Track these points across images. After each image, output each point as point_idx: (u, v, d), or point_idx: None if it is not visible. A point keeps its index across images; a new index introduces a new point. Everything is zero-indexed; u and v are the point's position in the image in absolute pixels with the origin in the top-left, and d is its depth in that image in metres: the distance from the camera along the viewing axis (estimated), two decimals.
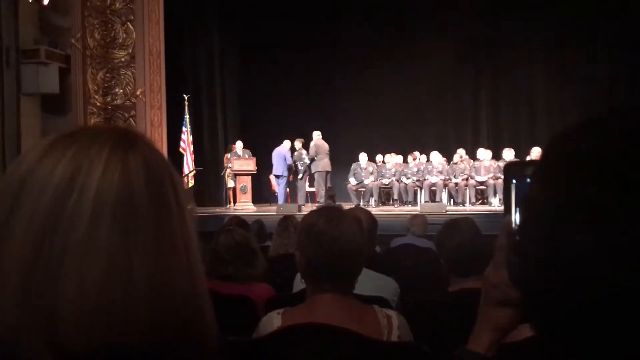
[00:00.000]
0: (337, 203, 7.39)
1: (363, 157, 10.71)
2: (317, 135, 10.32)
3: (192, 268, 0.59)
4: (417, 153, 11.16)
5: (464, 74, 12.46)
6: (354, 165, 10.76)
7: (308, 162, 10.41)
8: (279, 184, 10.46)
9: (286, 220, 3.71)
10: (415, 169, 10.54)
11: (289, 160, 10.38)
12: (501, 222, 0.63)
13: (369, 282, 1.92)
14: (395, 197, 10.39)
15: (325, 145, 10.19)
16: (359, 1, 12.41)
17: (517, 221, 0.62)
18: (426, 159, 11.11)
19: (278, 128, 12.45)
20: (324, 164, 10.10)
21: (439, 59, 12.18)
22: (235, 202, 10.49)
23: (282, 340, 1.27)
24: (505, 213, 0.64)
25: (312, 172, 10.03)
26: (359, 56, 12.79)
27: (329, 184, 10.06)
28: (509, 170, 0.64)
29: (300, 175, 10.50)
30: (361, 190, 10.64)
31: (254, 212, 9.57)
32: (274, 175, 10.54)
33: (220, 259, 2.22)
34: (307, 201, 11.38)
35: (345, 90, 13.24)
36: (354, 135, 12.67)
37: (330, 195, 7.94)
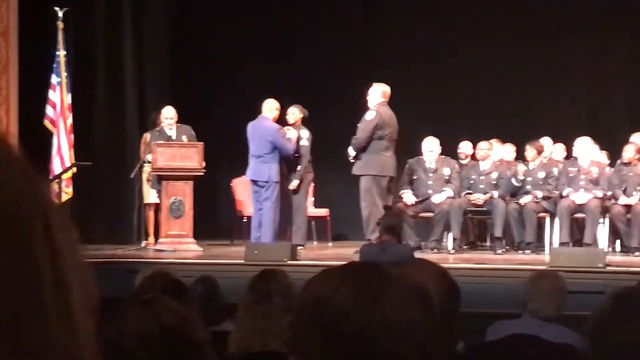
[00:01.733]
0: (390, 242, 7.26)
1: (430, 145, 10.86)
2: (379, 93, 10.20)
3: None
4: (546, 141, 11.23)
5: None
6: (410, 164, 10.92)
7: (308, 151, 10.53)
8: (258, 200, 10.55)
9: (266, 280, 3.72)
10: (540, 174, 10.61)
11: (287, 147, 10.34)
12: None
13: None
14: (498, 232, 10.47)
15: (394, 118, 10.17)
16: None
17: None
18: (565, 154, 11.21)
19: (252, 86, 12.53)
20: (385, 160, 10.07)
21: None
22: (158, 235, 10.61)
23: None
24: None
25: (359, 172, 9.98)
26: None
27: (384, 201, 9.93)
28: None
29: (294, 182, 10.54)
30: (425, 217, 10.80)
31: (199, 258, 9.65)
32: (251, 180, 10.60)
33: None
34: (311, 237, 11.61)
35: (385, 14, 13.37)
36: (407, 103, 12.77)
37: (390, 226, 7.42)
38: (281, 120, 10.63)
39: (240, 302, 3.76)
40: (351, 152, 10.14)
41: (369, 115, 10.06)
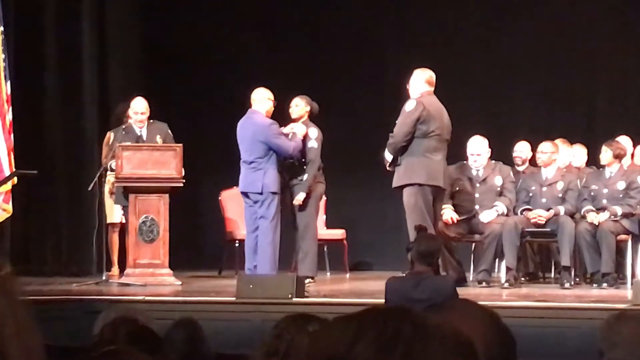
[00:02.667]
0: (423, 275, 7.29)
1: (477, 146, 10.87)
2: (422, 80, 10.12)
3: None
4: (625, 140, 11.19)
5: None
6: (451, 172, 10.83)
7: (318, 155, 10.54)
8: (252, 219, 10.58)
9: (294, 330, 3.64)
10: (620, 184, 10.60)
11: (285, 147, 10.37)
12: None
13: None
14: (566, 261, 10.44)
15: (444, 111, 10.10)
16: None
17: None
18: None
19: (246, 74, 12.54)
20: (432, 165, 9.98)
21: None
22: (124, 266, 10.63)
23: None
24: None
25: (400, 182, 9.78)
26: None
27: (421, 219, 9.70)
28: None
29: (300, 195, 10.52)
30: (471, 240, 10.84)
31: (177, 295, 9.68)
32: (242, 193, 10.65)
33: None
34: (323, 267, 11.58)
35: None
36: (446, 94, 12.76)
37: (425, 252, 7.49)
38: (283, 115, 10.61)
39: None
40: (388, 156, 10.02)
41: (409, 106, 9.99)
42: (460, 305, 2.45)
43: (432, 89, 10.10)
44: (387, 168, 10.04)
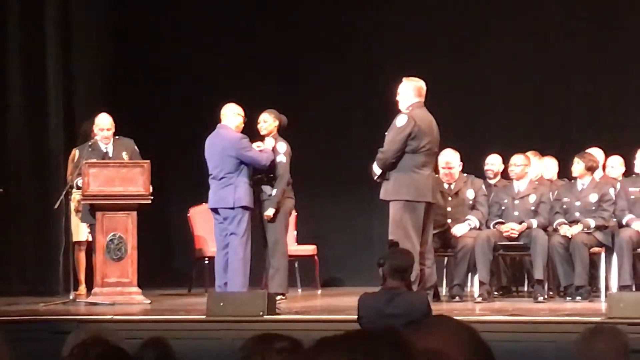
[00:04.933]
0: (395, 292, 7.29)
1: (448, 159, 10.89)
2: (411, 91, 10.00)
3: None
4: (597, 152, 11.20)
5: None
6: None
7: (287, 169, 10.54)
8: (222, 235, 10.56)
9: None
10: (592, 197, 10.61)
11: (258, 158, 10.35)
12: None
13: None
14: (539, 274, 10.46)
15: (434, 124, 10.00)
16: None
17: None
18: (623, 169, 11.20)
19: (216, 88, 12.53)
20: (421, 180, 9.88)
21: None
22: (92, 285, 10.58)
23: None
24: None
25: (388, 197, 9.65)
26: None
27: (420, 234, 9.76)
28: None
29: (269, 210, 10.50)
30: (443, 254, 10.85)
31: (146, 314, 9.64)
32: (212, 209, 10.62)
33: None
34: (294, 284, 11.59)
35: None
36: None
37: (398, 267, 7.43)
38: (253, 132, 10.59)
39: None
40: (376, 169, 9.92)
41: (400, 121, 9.85)
42: (440, 322, 2.44)
43: (422, 100, 9.98)
44: (375, 180, 9.97)
